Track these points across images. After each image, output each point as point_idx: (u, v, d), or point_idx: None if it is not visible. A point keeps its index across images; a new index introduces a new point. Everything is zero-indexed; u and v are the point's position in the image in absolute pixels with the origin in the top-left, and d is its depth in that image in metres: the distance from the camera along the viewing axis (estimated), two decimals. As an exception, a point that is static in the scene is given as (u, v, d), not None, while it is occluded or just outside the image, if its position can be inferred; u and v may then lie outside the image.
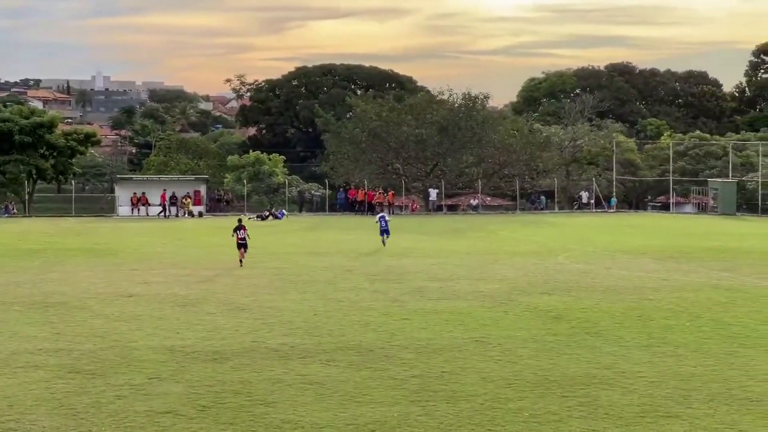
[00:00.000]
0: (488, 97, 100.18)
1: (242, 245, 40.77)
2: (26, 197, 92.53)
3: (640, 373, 20.35)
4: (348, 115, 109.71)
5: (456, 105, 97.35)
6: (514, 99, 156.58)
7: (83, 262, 42.18)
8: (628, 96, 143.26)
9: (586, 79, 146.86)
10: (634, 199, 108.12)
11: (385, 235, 50.63)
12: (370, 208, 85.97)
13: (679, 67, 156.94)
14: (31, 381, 19.49)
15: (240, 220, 42.77)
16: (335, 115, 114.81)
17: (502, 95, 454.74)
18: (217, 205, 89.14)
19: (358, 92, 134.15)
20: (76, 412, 17.23)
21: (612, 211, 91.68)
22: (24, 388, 18.93)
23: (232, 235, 41.38)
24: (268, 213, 78.64)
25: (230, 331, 25.11)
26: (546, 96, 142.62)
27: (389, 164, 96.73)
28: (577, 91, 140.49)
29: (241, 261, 40.63)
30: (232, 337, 24.37)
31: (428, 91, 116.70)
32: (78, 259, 43.42)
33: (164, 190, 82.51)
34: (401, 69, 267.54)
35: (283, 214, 78.42)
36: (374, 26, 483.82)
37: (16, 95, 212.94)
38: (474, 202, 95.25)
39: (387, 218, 52.50)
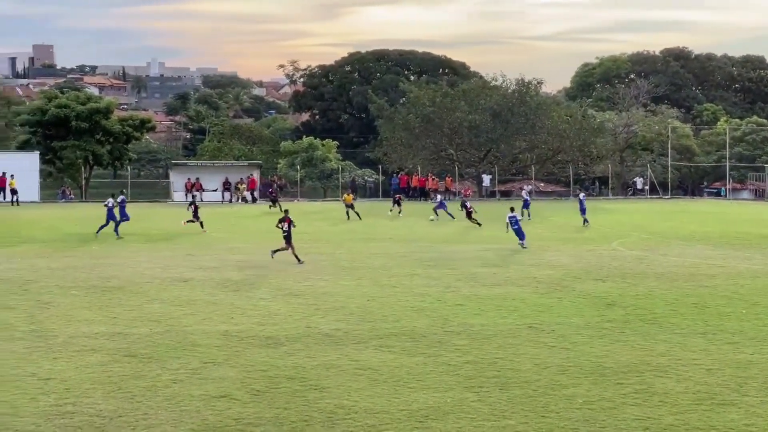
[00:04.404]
0: (542, 83, 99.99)
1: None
2: (83, 183, 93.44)
3: (695, 361, 20.19)
4: (401, 101, 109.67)
5: (509, 91, 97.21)
6: (568, 84, 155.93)
7: (139, 247, 42.52)
8: (683, 81, 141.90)
9: (641, 64, 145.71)
10: (689, 186, 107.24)
11: (584, 215, 53.98)
12: (423, 194, 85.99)
13: (736, 52, 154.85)
14: (88, 364, 19.69)
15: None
16: (389, 101, 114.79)
17: (556, 81, 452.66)
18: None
19: (412, 78, 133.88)
20: (132, 395, 17.39)
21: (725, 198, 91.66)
22: (81, 371, 19.13)
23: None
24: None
25: (284, 317, 25.21)
26: (600, 81, 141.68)
27: (442, 150, 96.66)
28: (632, 76, 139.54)
29: None
30: (286, 322, 24.46)
31: (481, 77, 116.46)
32: (134, 244, 43.77)
33: (251, 175, 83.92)
34: (454, 55, 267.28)
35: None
36: (427, 12, 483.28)
37: (73, 81, 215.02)
38: (527, 187, 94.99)
39: (584, 197, 55.98)
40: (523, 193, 62.20)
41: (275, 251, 37.25)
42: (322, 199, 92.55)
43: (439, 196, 64.34)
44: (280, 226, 37.57)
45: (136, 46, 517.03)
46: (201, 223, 50.05)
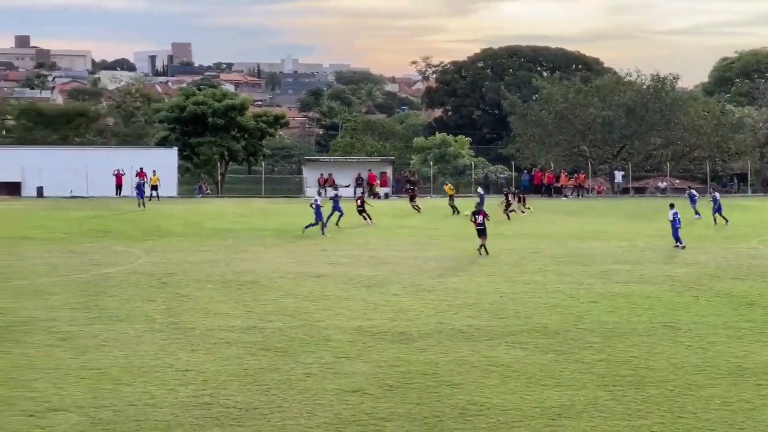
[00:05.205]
0: (677, 78, 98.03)
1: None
2: (219, 178, 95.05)
3: (838, 363, 19.64)
4: (534, 97, 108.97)
5: (644, 86, 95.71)
6: (705, 79, 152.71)
7: (273, 242, 43.09)
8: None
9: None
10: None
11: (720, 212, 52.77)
12: (556, 191, 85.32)
13: None
14: (224, 357, 20.05)
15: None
16: (521, 97, 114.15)
17: (692, 76, 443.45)
18: (403, 186, 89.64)
19: (545, 74, 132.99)
20: (267, 388, 17.64)
21: None
22: (218, 363, 19.49)
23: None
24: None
25: (416, 313, 25.28)
26: (739, 76, 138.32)
27: (575, 146, 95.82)
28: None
29: None
30: (418, 318, 24.53)
31: (615, 73, 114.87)
32: (268, 239, 44.37)
33: (370, 171, 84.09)
34: (588, 50, 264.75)
35: None
36: (560, 7, 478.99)
37: (210, 79, 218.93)
38: (662, 184, 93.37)
39: (718, 196, 54.47)
40: (692, 191, 60.61)
41: (481, 247, 38.03)
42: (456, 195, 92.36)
43: (480, 189, 63.48)
44: (473, 219, 38.58)
45: (270, 43, 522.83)
46: (367, 216, 51.47)
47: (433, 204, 62.29)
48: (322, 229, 46.11)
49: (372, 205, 56.03)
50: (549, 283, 30.42)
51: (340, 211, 49.84)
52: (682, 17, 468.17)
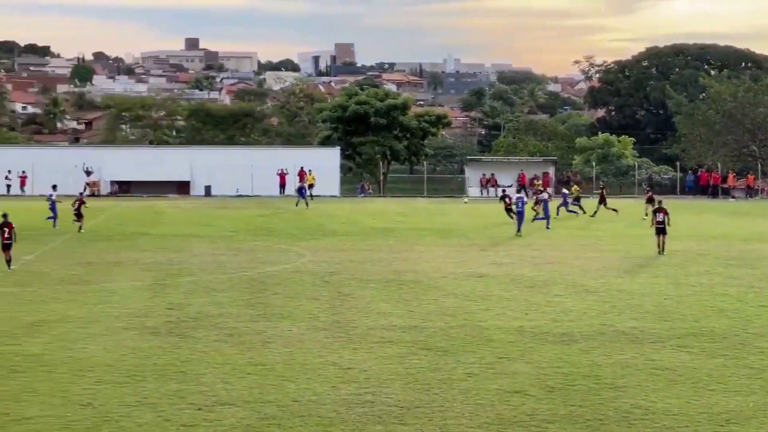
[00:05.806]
0: None
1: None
2: (381, 177, 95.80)
3: None
4: (701, 96, 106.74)
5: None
6: None
7: (434, 242, 43.18)
8: None
9: None
10: None
11: None
12: (723, 192, 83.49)
13: None
14: (386, 356, 20.16)
15: None
16: (687, 97, 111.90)
17: None
18: (565, 187, 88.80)
19: (712, 72, 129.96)
20: (428, 387, 17.68)
21: None
22: (380, 362, 19.61)
23: None
24: None
25: (578, 314, 25.01)
26: None
27: (745, 147, 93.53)
28: None
29: None
30: (581, 319, 24.26)
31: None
32: (429, 239, 44.50)
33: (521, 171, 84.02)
34: (758, 47, 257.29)
35: None
36: (728, 4, 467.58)
37: (372, 78, 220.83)
38: None
39: None
40: None
41: (660, 246, 38.22)
42: (617, 195, 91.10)
43: (564, 190, 62.49)
44: (654, 217, 39.00)
45: (432, 43, 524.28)
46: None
47: (592, 205, 61.23)
48: (547, 224, 49.25)
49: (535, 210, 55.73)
50: (716, 286, 29.74)
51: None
52: None
